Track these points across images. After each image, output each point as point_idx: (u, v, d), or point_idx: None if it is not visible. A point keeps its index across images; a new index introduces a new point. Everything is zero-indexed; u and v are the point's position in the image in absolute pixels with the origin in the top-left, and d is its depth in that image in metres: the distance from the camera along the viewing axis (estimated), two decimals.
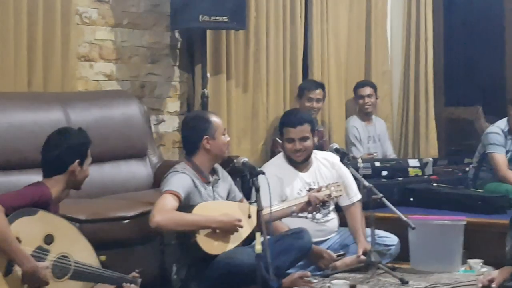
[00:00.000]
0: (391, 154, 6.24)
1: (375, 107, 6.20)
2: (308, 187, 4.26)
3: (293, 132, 4.22)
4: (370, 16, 6.55)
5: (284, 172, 4.25)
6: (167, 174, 3.70)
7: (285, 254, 3.71)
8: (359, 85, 6.15)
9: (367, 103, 6.05)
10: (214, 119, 3.81)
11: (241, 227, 3.59)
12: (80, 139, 3.28)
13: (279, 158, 4.35)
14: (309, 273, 3.83)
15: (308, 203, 3.90)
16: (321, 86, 5.64)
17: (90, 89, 4.74)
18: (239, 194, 3.91)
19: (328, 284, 3.75)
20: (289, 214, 3.93)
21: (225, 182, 3.88)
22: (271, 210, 3.44)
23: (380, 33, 6.69)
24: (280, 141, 4.42)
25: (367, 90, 6.08)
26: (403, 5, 6.88)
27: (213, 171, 3.84)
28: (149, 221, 3.49)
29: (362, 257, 4.09)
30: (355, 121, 6.10)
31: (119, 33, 4.90)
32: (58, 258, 3.00)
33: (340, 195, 4.10)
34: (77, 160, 3.22)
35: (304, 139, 4.23)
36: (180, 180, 3.62)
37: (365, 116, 6.12)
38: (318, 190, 3.98)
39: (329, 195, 4.01)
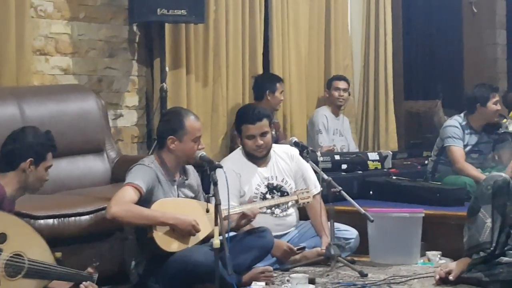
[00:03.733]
0: (354, 149, 6.27)
1: (346, 103, 6.27)
2: (267, 181, 4.25)
3: (253, 128, 4.19)
4: (330, 10, 6.57)
5: (242, 167, 4.22)
6: (133, 165, 3.66)
7: (246, 252, 3.69)
8: (336, 77, 6.24)
9: (341, 96, 6.13)
10: (190, 123, 3.71)
11: (198, 231, 3.55)
12: (40, 140, 3.25)
13: (237, 153, 4.32)
14: (271, 268, 3.82)
15: (242, 217, 3.81)
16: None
17: (46, 83, 4.66)
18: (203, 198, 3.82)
19: (287, 278, 3.75)
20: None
21: (194, 185, 3.84)
22: (229, 202, 3.41)
23: (341, 27, 6.70)
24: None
25: (344, 84, 6.17)
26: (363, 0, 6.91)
27: (183, 171, 3.79)
28: (106, 212, 3.47)
29: (322, 250, 4.10)
30: (325, 111, 6.14)
31: (76, 27, 4.83)
32: (11, 257, 2.94)
33: (308, 202, 4.09)
34: (30, 159, 3.18)
35: (264, 134, 4.20)
36: (143, 174, 3.58)
37: (335, 109, 6.16)
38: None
39: (296, 201, 4.04)
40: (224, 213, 3.36)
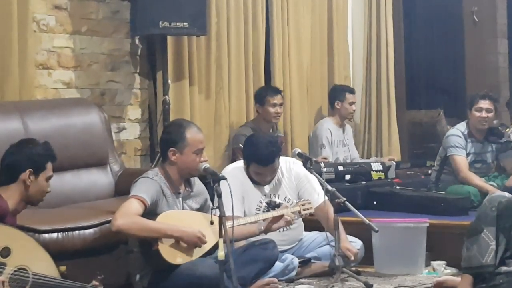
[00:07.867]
0: (357, 158, 6.24)
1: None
2: (268, 199, 4.21)
3: (265, 169, 4.12)
4: (331, 21, 6.57)
5: (242, 183, 4.15)
6: (137, 178, 3.66)
7: (250, 264, 3.68)
8: (349, 90, 6.11)
9: (354, 111, 6.08)
10: (192, 135, 3.69)
11: (204, 242, 3.54)
12: (39, 151, 3.26)
13: (239, 169, 4.21)
14: (275, 280, 3.81)
15: (273, 221, 3.84)
16: (280, 91, 5.64)
17: (49, 97, 4.66)
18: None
19: None
20: (256, 234, 3.86)
21: (199, 197, 3.82)
22: (233, 214, 3.40)
23: (342, 38, 6.71)
24: (241, 149, 4.35)
25: (355, 98, 6.09)
26: (364, 9, 6.92)
27: (188, 183, 3.78)
28: (111, 224, 3.47)
29: (326, 263, 4.08)
30: (329, 124, 6.06)
31: (78, 40, 4.84)
32: (15, 271, 2.95)
33: (310, 213, 4.05)
34: (29, 170, 3.18)
35: (274, 171, 4.17)
36: (148, 186, 3.58)
37: (341, 120, 6.09)
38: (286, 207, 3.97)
39: (299, 212, 4.00)
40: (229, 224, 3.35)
